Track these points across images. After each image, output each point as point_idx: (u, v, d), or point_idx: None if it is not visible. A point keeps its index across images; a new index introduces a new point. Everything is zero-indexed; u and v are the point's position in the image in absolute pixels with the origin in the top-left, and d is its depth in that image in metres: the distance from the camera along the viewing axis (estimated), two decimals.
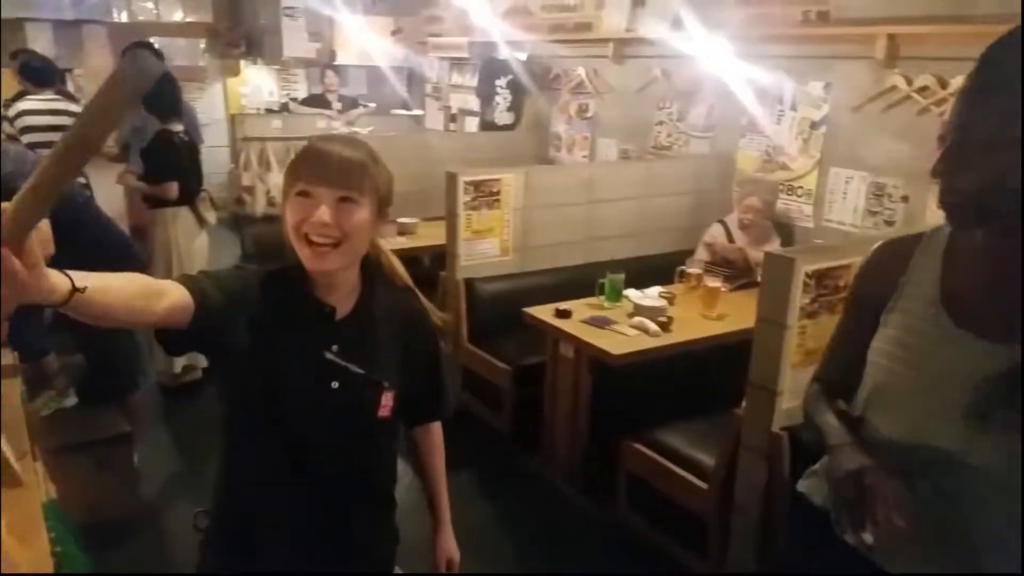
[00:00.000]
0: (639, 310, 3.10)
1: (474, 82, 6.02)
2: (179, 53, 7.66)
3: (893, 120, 3.42)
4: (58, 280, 0.85)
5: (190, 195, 3.85)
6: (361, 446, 1.33)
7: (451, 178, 3.47)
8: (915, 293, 1.16)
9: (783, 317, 2.12)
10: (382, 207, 1.26)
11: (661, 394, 2.83)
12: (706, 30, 3.99)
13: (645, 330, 2.95)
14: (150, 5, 7.25)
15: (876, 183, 3.55)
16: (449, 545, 1.58)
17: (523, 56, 5.64)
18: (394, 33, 7.32)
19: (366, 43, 7.17)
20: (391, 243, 4.22)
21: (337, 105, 6.59)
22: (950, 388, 1.07)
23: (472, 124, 6.21)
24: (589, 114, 5.26)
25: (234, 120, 6.11)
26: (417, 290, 1.44)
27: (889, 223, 3.53)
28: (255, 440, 1.28)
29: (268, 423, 1.25)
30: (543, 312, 3.12)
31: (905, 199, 3.45)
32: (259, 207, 5.95)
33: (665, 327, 2.99)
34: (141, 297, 1.03)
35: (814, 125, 3.79)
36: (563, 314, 3.11)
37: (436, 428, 1.57)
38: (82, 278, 0.89)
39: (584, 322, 3.04)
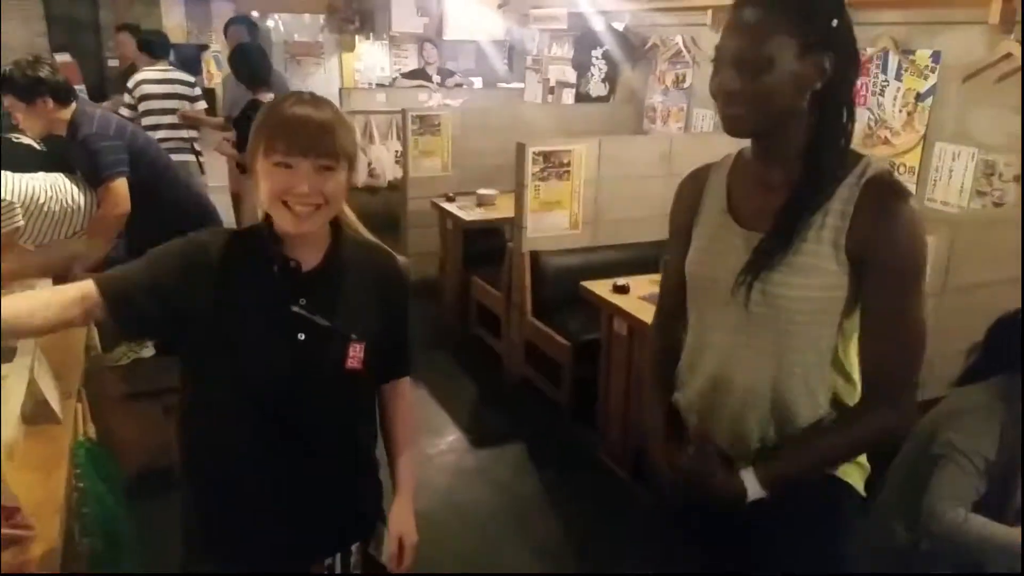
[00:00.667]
0: None
1: (571, 54, 5.93)
2: (301, 29, 8.01)
3: (1007, 92, 3.09)
4: None
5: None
6: (333, 401, 1.33)
7: (520, 148, 3.45)
8: (710, 207, 1.35)
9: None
10: (351, 164, 1.29)
11: None
12: None
13: None
14: None
15: (986, 160, 3.23)
16: (404, 520, 1.46)
17: (620, 26, 5.50)
18: (500, 6, 7.33)
19: (473, 17, 7.22)
20: (470, 214, 4.30)
21: (436, 78, 6.68)
22: (727, 270, 1.25)
23: (569, 96, 6.13)
24: (686, 84, 5.07)
25: (340, 93, 6.32)
26: (378, 241, 1.44)
27: (998, 204, 3.21)
28: (225, 405, 1.29)
29: (237, 384, 1.28)
30: (600, 287, 3.07)
31: (1018, 179, 3.12)
32: (361, 178, 6.13)
33: None
34: (59, 307, 1.19)
35: (920, 97, 3.48)
36: (621, 289, 3.03)
37: (405, 388, 1.53)
38: None
39: (642, 298, 2.96)
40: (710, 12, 4.61)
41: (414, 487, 1.50)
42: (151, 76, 4.76)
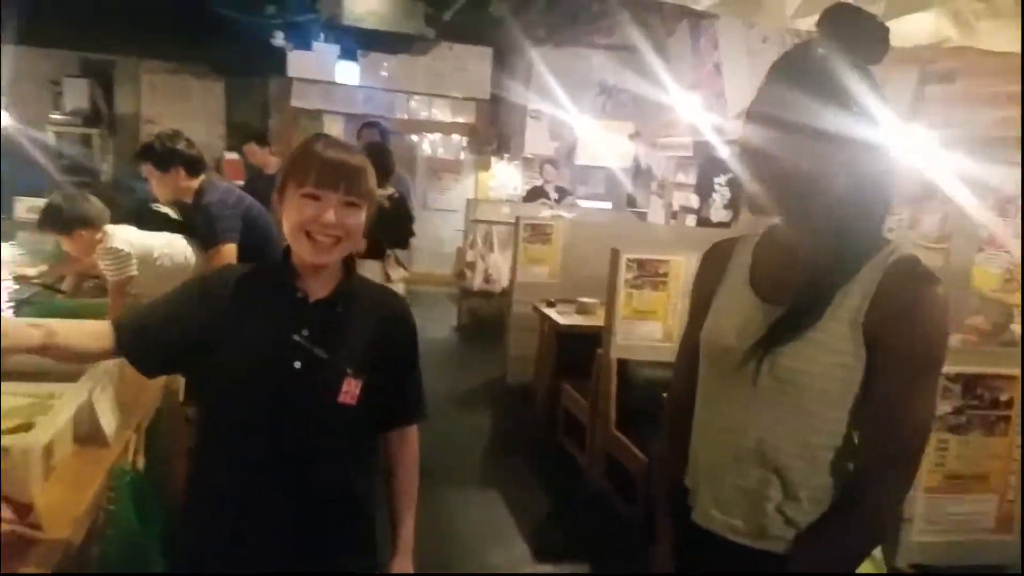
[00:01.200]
0: None
1: (695, 180, 5.98)
2: (446, 147, 8.60)
3: None
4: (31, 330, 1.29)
5: (379, 251, 4.25)
6: (325, 436, 1.33)
7: (614, 254, 3.44)
8: (733, 279, 1.32)
9: None
10: (371, 207, 1.37)
11: None
12: (940, 130, 3.60)
13: None
14: (423, 106, 8.26)
15: None
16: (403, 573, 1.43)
17: None
18: (632, 136, 7.57)
19: (604, 144, 7.49)
20: (566, 319, 4.28)
21: (553, 195, 6.91)
22: (742, 340, 1.22)
23: (691, 221, 6.13)
24: None
25: (468, 203, 6.65)
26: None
27: None
28: (222, 433, 1.34)
29: (236, 408, 1.32)
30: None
31: None
32: (476, 282, 6.34)
33: None
34: (91, 338, 1.33)
35: None
36: None
37: (411, 438, 1.51)
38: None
39: None
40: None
41: (411, 543, 1.47)
42: None
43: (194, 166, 3.05)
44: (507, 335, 5.04)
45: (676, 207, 6.56)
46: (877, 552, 1.35)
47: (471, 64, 7.99)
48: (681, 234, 5.42)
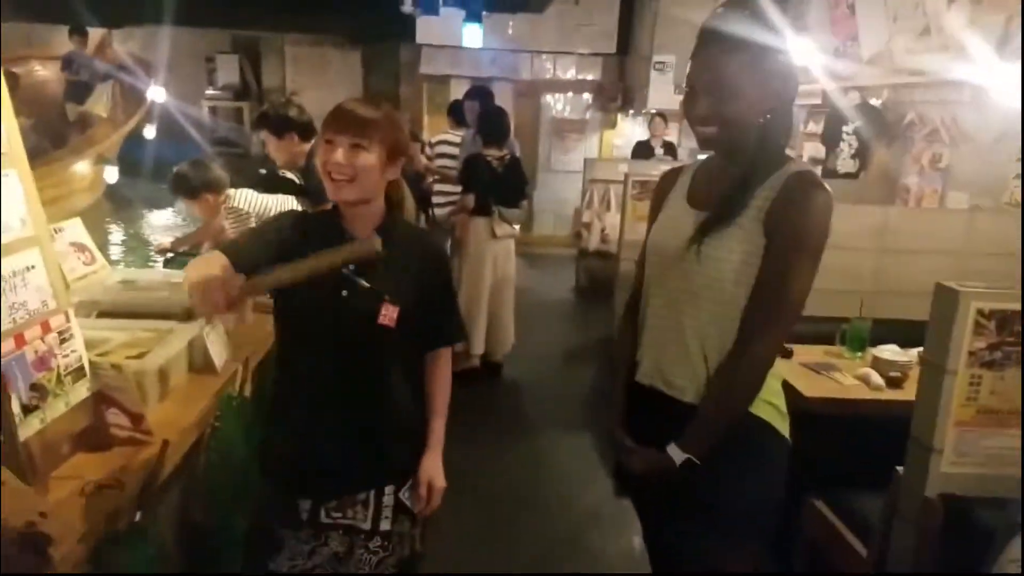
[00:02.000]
0: (876, 362, 2.72)
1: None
2: (574, 105, 8.65)
3: None
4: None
5: (485, 208, 4.47)
6: (369, 352, 1.57)
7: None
8: (675, 196, 1.64)
9: (943, 359, 1.76)
10: (392, 154, 1.57)
11: (880, 453, 2.46)
12: None
13: (867, 381, 2.59)
14: (549, 65, 8.31)
15: None
16: (433, 469, 1.67)
17: (879, 102, 5.21)
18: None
19: None
20: None
21: (659, 151, 6.81)
22: (678, 239, 1.53)
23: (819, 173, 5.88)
24: (942, 164, 4.63)
25: (584, 163, 6.69)
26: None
27: None
28: (289, 349, 1.63)
29: (298, 327, 1.60)
30: None
31: None
32: (593, 243, 6.39)
33: (896, 383, 2.58)
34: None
35: None
36: (784, 353, 2.87)
37: (443, 358, 1.73)
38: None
39: (804, 364, 2.78)
40: (968, 89, 4.21)
41: (442, 442, 1.70)
42: (451, 139, 5.46)
43: (306, 131, 3.33)
44: (615, 294, 5.11)
45: (806, 158, 6.29)
46: (782, 404, 1.57)
47: (597, 18, 7.95)
48: None
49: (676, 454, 1.50)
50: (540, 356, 5.13)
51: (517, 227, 4.74)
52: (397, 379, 1.63)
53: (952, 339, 1.74)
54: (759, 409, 1.54)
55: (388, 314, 1.54)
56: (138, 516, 1.54)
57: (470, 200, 4.50)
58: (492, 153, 4.55)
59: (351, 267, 1.54)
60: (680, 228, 1.54)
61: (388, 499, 1.64)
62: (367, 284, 1.54)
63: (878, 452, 2.42)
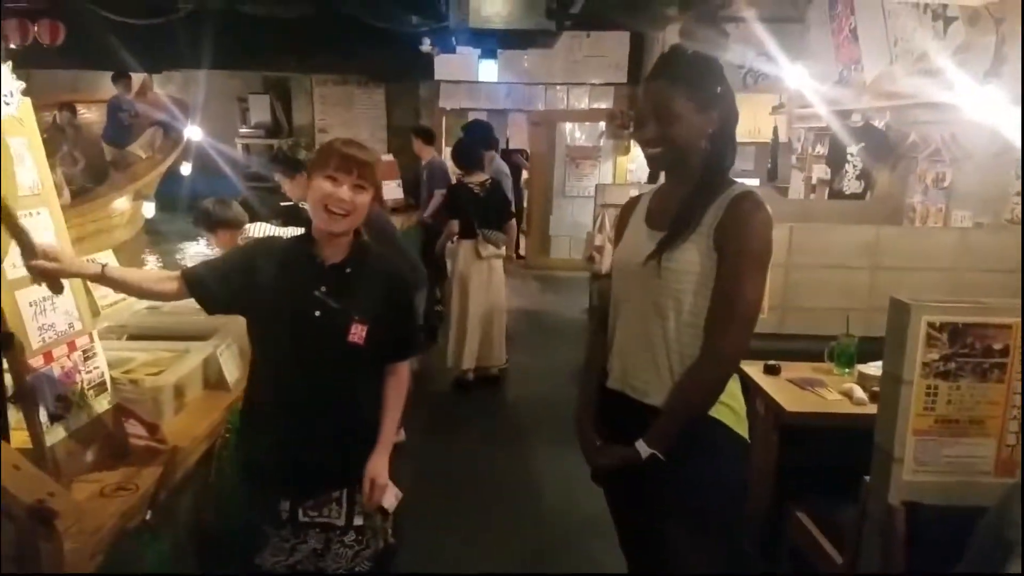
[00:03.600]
0: (861, 378, 2.81)
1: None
2: (586, 134, 8.85)
3: None
4: (90, 265, 1.67)
5: (470, 232, 4.83)
6: (340, 368, 1.75)
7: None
8: (635, 219, 1.82)
9: (899, 370, 1.87)
10: (377, 193, 1.78)
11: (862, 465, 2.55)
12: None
13: (850, 396, 2.69)
14: (562, 95, 8.53)
15: None
16: (377, 467, 1.81)
17: (881, 124, 5.30)
18: (775, 109, 7.39)
19: (749, 121, 7.37)
20: None
21: None
22: (639, 256, 1.70)
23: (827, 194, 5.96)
24: (945, 183, 4.70)
25: (597, 189, 6.86)
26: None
27: None
28: (267, 361, 1.80)
29: (272, 347, 1.77)
30: (751, 366, 3.03)
31: None
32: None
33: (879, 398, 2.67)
34: (154, 282, 1.74)
35: None
36: (771, 370, 2.97)
37: (401, 369, 1.90)
38: (104, 264, 1.67)
39: (790, 380, 2.88)
40: (967, 108, 4.29)
41: (391, 444, 1.86)
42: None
43: None
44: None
45: (815, 180, 6.38)
46: (737, 406, 1.72)
47: (608, 50, 8.16)
48: (817, 211, 5.33)
49: (643, 449, 1.64)
50: (550, 374, 5.30)
51: (503, 248, 5.02)
52: (363, 390, 1.81)
53: (906, 351, 1.85)
54: (718, 412, 1.69)
55: (358, 332, 1.72)
56: (148, 515, 1.71)
57: (454, 225, 4.88)
58: (473, 180, 4.89)
59: (322, 289, 1.72)
60: (640, 247, 1.71)
61: (359, 496, 1.81)
62: (337, 305, 1.72)
63: (860, 464, 2.52)
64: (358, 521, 1.80)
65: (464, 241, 4.89)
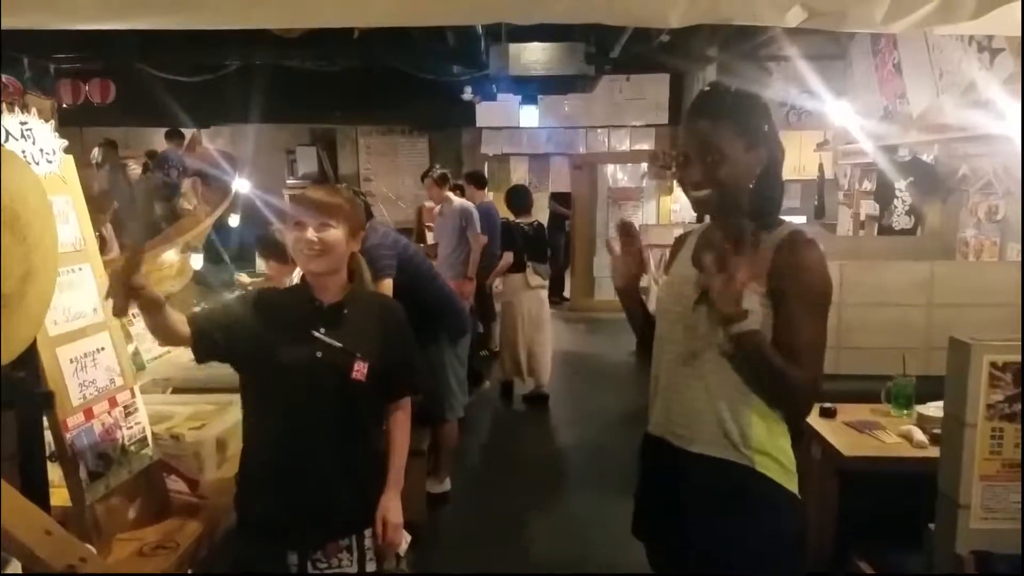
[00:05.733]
0: (921, 419, 2.69)
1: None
2: (629, 174, 8.84)
3: None
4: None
5: (520, 265, 5.43)
6: (344, 406, 1.74)
7: None
8: (683, 257, 1.74)
9: (962, 413, 1.77)
10: (354, 230, 1.80)
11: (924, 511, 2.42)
12: None
13: (909, 439, 2.57)
14: (603, 138, 8.56)
15: None
16: (389, 506, 1.80)
17: (930, 157, 5.18)
18: (820, 145, 7.29)
19: (795, 158, 7.28)
20: None
21: None
22: (686, 300, 1.62)
23: (876, 231, 5.82)
24: (999, 217, 4.55)
25: (640, 230, 6.82)
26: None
27: None
28: (265, 410, 1.78)
29: (275, 392, 1.75)
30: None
31: None
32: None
33: (939, 440, 2.54)
34: (179, 324, 1.70)
35: None
36: (827, 413, 2.86)
37: (403, 406, 1.90)
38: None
39: (847, 423, 2.77)
40: (1020, 139, 4.17)
41: (401, 482, 1.84)
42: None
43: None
44: None
45: (863, 216, 6.24)
46: (788, 462, 1.62)
47: (648, 92, 8.18)
48: (869, 248, 5.20)
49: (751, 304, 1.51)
50: (596, 419, 5.22)
51: (547, 280, 5.72)
52: (367, 428, 1.81)
53: (968, 392, 1.76)
54: (765, 467, 1.59)
55: (360, 369, 1.73)
56: (189, 573, 1.69)
57: (509, 257, 5.43)
58: (522, 221, 5.54)
59: (322, 330, 1.74)
60: (685, 289, 1.64)
61: (368, 541, 1.78)
62: (339, 344, 1.73)
63: (924, 511, 2.39)
64: (371, 567, 1.78)
65: (513, 275, 5.49)
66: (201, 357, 1.82)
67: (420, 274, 3.62)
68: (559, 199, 9.02)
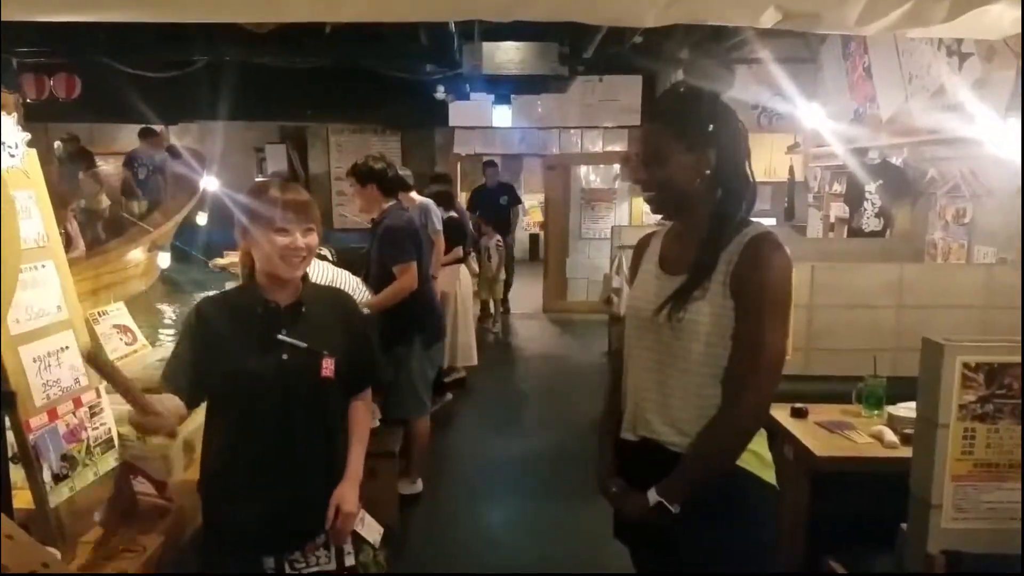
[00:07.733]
0: (891, 420, 2.72)
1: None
2: (601, 176, 8.85)
3: None
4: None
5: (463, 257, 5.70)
6: (313, 406, 1.72)
7: None
8: (647, 262, 1.73)
9: (934, 413, 1.78)
10: (319, 227, 1.77)
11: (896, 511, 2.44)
12: None
13: (880, 439, 2.59)
14: (576, 139, 8.57)
15: None
16: (344, 495, 1.76)
17: (898, 161, 5.26)
18: (790, 148, 7.38)
19: (763, 160, 7.35)
20: None
21: None
22: (652, 303, 1.62)
23: (845, 233, 5.89)
24: (966, 219, 4.63)
25: (612, 230, 6.83)
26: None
27: None
28: (236, 419, 1.72)
29: (241, 400, 1.70)
30: (777, 410, 2.94)
31: None
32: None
33: (911, 440, 2.56)
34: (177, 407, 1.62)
35: None
36: (798, 413, 2.88)
37: (364, 397, 1.89)
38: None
39: (818, 423, 2.79)
40: (985, 143, 4.24)
41: (360, 473, 1.82)
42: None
43: (387, 187, 3.63)
44: None
45: (832, 219, 6.32)
46: (764, 452, 1.63)
47: (621, 93, 8.19)
48: (837, 251, 5.26)
49: (651, 496, 1.57)
50: (570, 423, 5.20)
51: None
52: (334, 423, 1.79)
53: (941, 393, 1.77)
54: (744, 460, 1.60)
55: (328, 366, 1.72)
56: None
57: (458, 252, 5.65)
58: (453, 215, 5.76)
59: (284, 331, 1.70)
60: (653, 293, 1.65)
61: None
62: (303, 344, 1.70)
63: (895, 511, 2.41)
64: (350, 561, 1.77)
65: (459, 266, 5.72)
66: (189, 404, 1.71)
67: (422, 253, 3.61)
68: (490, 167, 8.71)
